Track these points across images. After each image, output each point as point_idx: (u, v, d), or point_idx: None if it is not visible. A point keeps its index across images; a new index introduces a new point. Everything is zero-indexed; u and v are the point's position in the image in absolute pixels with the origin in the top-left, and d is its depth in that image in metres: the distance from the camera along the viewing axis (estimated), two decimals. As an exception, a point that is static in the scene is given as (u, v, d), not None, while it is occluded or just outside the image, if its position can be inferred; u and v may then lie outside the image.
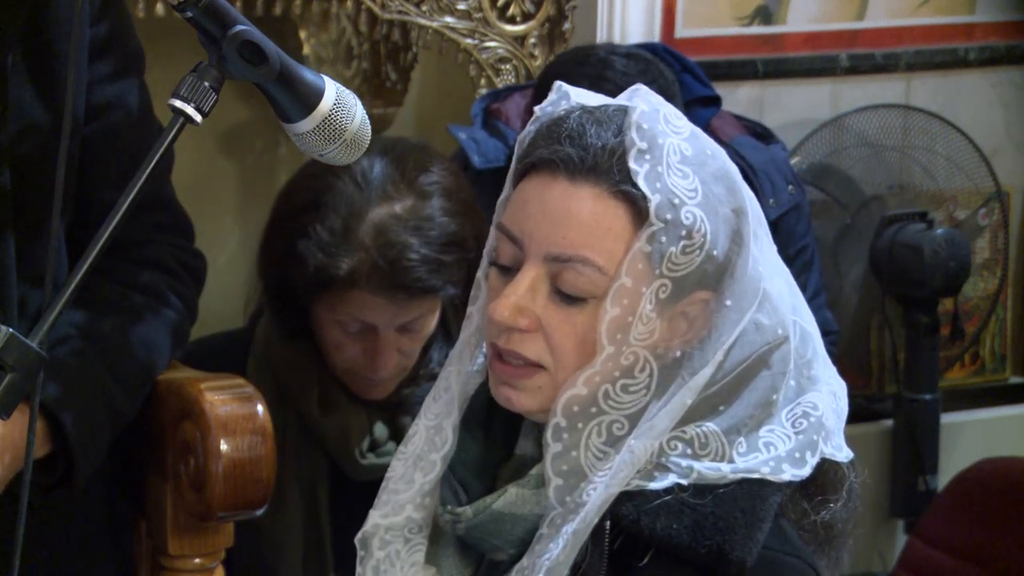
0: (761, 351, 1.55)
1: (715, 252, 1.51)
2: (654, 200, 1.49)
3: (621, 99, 1.57)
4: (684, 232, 1.50)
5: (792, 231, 3.10)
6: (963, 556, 3.49)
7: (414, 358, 2.40)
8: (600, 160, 1.51)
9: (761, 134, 3.18)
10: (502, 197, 1.60)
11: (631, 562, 1.52)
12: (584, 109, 1.56)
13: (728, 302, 1.53)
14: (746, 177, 3.04)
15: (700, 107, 3.02)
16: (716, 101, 3.05)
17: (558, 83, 1.59)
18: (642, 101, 1.54)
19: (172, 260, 2.05)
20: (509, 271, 1.55)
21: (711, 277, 1.52)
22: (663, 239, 1.49)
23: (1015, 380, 4.07)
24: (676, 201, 1.49)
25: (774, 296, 1.56)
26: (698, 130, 1.56)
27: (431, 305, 2.35)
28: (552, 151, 1.53)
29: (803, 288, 3.07)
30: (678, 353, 1.52)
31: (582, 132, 1.53)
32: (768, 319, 1.55)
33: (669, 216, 1.49)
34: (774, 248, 1.61)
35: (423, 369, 2.42)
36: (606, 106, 1.56)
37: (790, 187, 3.09)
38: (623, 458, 1.50)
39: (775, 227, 3.04)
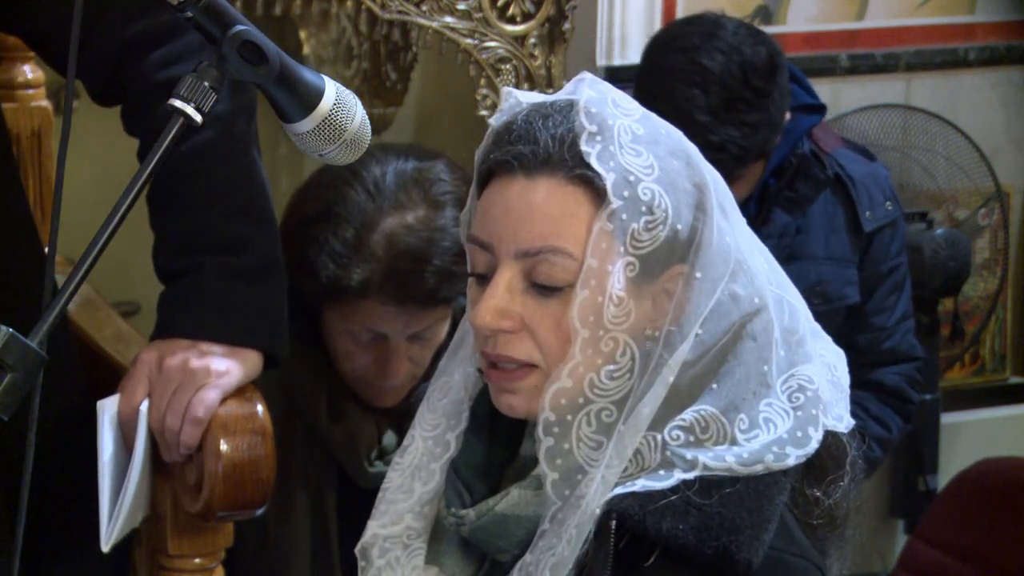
0: (740, 321, 1.54)
1: (679, 226, 1.51)
2: (609, 178, 1.49)
3: (565, 92, 1.57)
4: (644, 208, 1.50)
5: (886, 248, 3.11)
6: (963, 556, 3.49)
7: (425, 366, 2.39)
8: (552, 151, 1.52)
9: (864, 153, 3.21)
10: (466, 209, 1.61)
11: (636, 562, 1.51)
12: (531, 107, 1.57)
13: (698, 274, 1.53)
14: (844, 187, 3.10)
15: (804, 114, 3.04)
16: (820, 110, 3.07)
17: (507, 90, 1.60)
18: (588, 88, 1.55)
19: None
20: (486, 279, 1.56)
21: (679, 252, 1.52)
22: (624, 216, 1.50)
23: (1015, 380, 4.07)
24: (631, 178, 1.50)
25: (751, 267, 1.56)
26: (651, 113, 1.57)
27: (442, 314, 2.35)
28: (505, 152, 1.54)
29: (892, 309, 3.13)
30: (656, 333, 1.52)
31: (530, 128, 1.54)
32: (744, 289, 1.55)
33: (627, 193, 1.50)
34: (747, 225, 1.61)
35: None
36: (553, 101, 1.57)
37: (887, 203, 3.10)
38: (615, 446, 1.50)
39: (869, 241, 3.08)
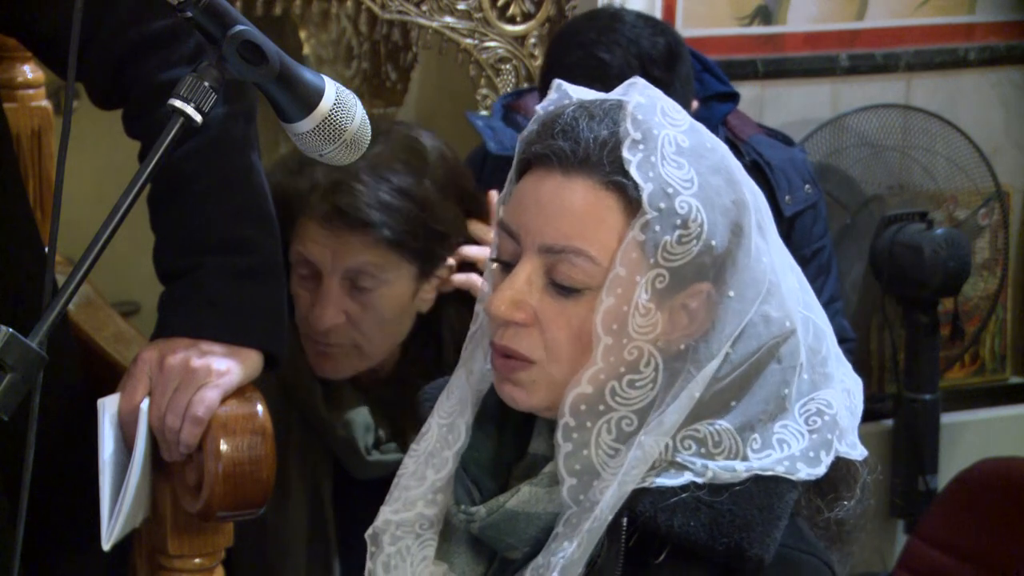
0: (769, 344, 1.54)
1: (713, 243, 1.51)
2: (646, 189, 1.49)
3: (617, 93, 1.57)
4: (679, 221, 1.49)
5: (808, 231, 3.10)
6: (963, 556, 3.49)
7: (370, 338, 2.38)
8: (592, 152, 1.52)
9: (783, 139, 3.20)
10: (502, 194, 1.61)
11: (647, 559, 1.51)
12: (580, 104, 1.56)
13: (731, 293, 1.52)
14: (762, 173, 3.09)
15: (718, 102, 3.03)
16: (734, 97, 3.07)
17: (557, 81, 1.60)
18: (638, 94, 1.55)
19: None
20: (510, 267, 1.56)
21: (711, 268, 1.51)
22: (657, 228, 1.49)
23: (1015, 380, 4.07)
24: (670, 191, 1.49)
25: (783, 289, 1.56)
26: (699, 125, 1.56)
27: (374, 256, 2.34)
28: (546, 146, 1.54)
29: (819, 292, 3.10)
30: (682, 346, 1.52)
31: (575, 126, 1.53)
32: (776, 312, 1.54)
33: (663, 205, 1.49)
34: (783, 245, 1.60)
35: (435, 369, 2.42)
36: (603, 100, 1.56)
37: (807, 186, 3.09)
38: (634, 455, 1.50)
39: (791, 225, 3.07)
